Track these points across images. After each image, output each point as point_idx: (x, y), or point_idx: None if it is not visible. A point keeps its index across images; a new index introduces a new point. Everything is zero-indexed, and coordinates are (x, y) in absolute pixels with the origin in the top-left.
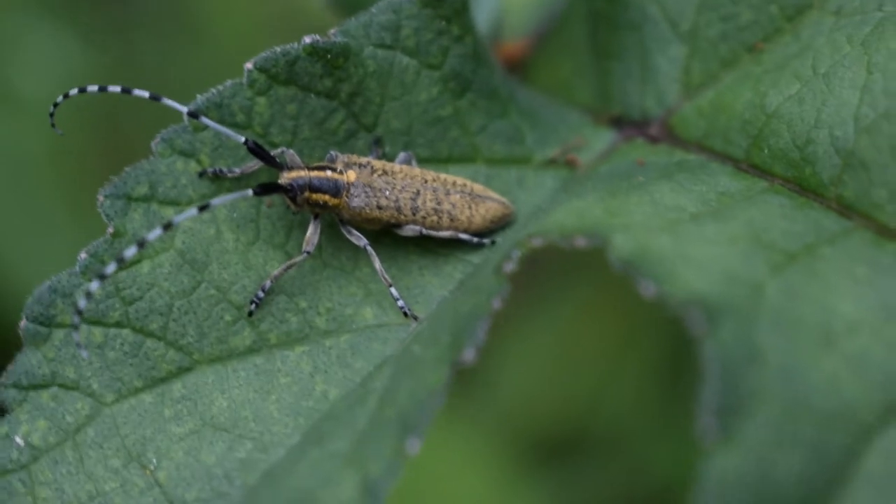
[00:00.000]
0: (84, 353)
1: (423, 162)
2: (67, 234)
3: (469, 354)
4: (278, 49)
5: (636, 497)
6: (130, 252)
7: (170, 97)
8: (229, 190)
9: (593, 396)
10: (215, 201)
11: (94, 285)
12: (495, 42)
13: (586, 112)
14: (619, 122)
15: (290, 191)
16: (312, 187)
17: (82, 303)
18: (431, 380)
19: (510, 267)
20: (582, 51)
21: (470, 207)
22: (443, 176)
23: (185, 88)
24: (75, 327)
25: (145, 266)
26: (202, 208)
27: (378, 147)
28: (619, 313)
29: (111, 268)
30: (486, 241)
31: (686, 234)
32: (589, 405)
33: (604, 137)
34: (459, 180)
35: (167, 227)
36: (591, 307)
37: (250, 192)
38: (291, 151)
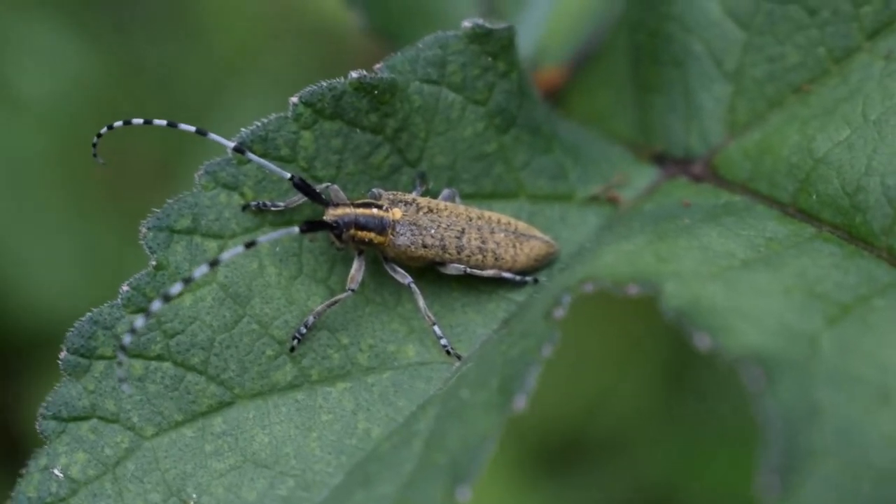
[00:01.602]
0: (126, 388)
1: (467, 198)
2: (67, 234)
3: (520, 401)
4: (324, 83)
5: (638, 501)
6: (176, 289)
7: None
8: (272, 223)
9: (596, 401)
10: (262, 238)
11: (140, 322)
12: (531, 70)
13: (628, 147)
14: (661, 159)
15: (336, 228)
16: (358, 225)
17: (127, 339)
18: (482, 426)
19: (560, 313)
20: (622, 83)
21: (514, 246)
22: (487, 214)
23: (185, 87)
24: (119, 363)
25: (187, 299)
26: (249, 245)
27: (422, 183)
28: (622, 318)
29: (157, 305)
30: (528, 279)
31: (738, 283)
32: (591, 409)
33: (645, 174)
34: (504, 218)
35: (214, 264)
36: (595, 311)
37: (296, 229)
38: (336, 187)
